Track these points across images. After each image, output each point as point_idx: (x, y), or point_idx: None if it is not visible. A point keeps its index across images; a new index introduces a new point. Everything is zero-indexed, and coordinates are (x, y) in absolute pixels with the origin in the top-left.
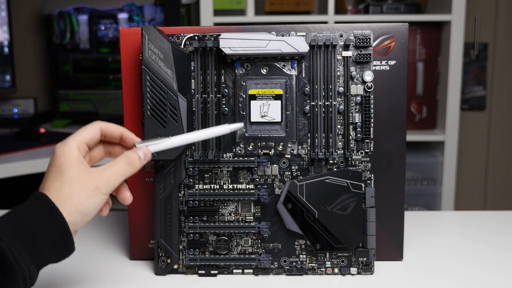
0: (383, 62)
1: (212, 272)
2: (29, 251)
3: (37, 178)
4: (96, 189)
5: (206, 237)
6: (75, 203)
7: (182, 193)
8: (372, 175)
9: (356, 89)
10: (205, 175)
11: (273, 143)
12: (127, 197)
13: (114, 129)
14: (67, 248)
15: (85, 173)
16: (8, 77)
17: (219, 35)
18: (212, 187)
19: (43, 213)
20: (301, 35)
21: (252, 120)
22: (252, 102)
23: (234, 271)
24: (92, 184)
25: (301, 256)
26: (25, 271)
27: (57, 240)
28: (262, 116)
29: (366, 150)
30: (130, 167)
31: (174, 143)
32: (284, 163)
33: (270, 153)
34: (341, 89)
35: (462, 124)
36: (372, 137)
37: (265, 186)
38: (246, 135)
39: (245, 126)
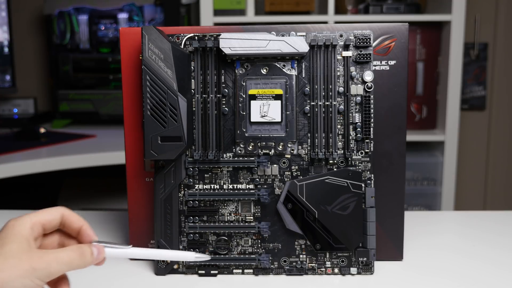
0: (383, 62)
1: (212, 272)
2: None
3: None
4: (32, 270)
5: (206, 237)
6: (2, 279)
7: (182, 193)
8: (372, 175)
9: (356, 89)
10: (205, 175)
11: (273, 143)
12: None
13: (75, 220)
14: None
15: (26, 251)
16: (8, 77)
17: (219, 35)
18: (212, 187)
19: None
20: (301, 35)
21: (252, 120)
22: (252, 102)
23: (234, 271)
24: (28, 264)
25: (301, 256)
26: None
27: None
28: (262, 116)
29: (366, 150)
30: (79, 258)
31: (132, 255)
32: (284, 163)
33: (270, 153)
34: (341, 89)
35: (462, 124)
36: (372, 137)
37: (265, 186)
38: (246, 135)
39: (245, 126)
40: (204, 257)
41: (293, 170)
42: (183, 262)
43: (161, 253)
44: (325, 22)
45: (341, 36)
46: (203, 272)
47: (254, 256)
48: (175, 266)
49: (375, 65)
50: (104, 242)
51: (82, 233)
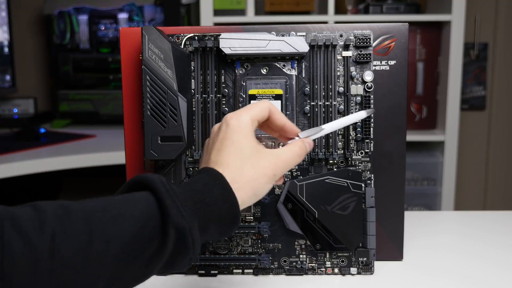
0: (383, 62)
1: (212, 272)
2: (202, 230)
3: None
4: (273, 175)
5: None
6: (255, 187)
7: None
8: (372, 175)
9: (356, 89)
10: None
11: (273, 143)
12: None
13: (279, 117)
14: (231, 229)
15: (263, 154)
16: (8, 77)
17: (219, 35)
18: None
19: (221, 196)
20: (301, 35)
21: None
22: (252, 102)
23: (234, 271)
24: (271, 170)
25: (301, 256)
26: (196, 250)
27: (225, 222)
28: None
29: (366, 150)
30: (300, 156)
31: (327, 131)
32: None
33: None
34: (341, 89)
35: (462, 124)
36: (372, 137)
37: None
38: None
39: None
40: (371, 111)
41: (293, 170)
42: None
43: (342, 122)
44: (325, 22)
45: (341, 36)
46: (203, 272)
47: (254, 256)
48: None
49: (375, 65)
50: (304, 132)
51: (286, 129)
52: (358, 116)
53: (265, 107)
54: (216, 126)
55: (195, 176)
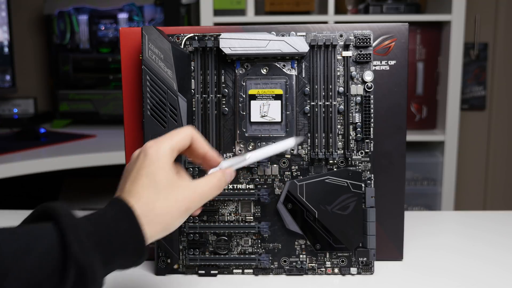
0: (383, 62)
1: (212, 272)
2: (106, 264)
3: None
4: (186, 210)
5: (206, 237)
6: (166, 221)
7: None
8: (372, 175)
9: (356, 89)
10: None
11: (273, 143)
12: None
13: (201, 145)
14: (137, 262)
15: (179, 187)
16: (8, 77)
17: (219, 35)
18: None
19: (127, 231)
20: (301, 35)
21: (252, 120)
22: (252, 102)
23: (234, 271)
24: (185, 204)
25: (301, 256)
26: (98, 284)
27: (131, 257)
28: (262, 116)
29: (366, 150)
30: (218, 188)
31: (251, 160)
32: (284, 163)
33: None
34: (341, 89)
35: (462, 124)
36: (372, 137)
37: (265, 186)
38: (246, 135)
39: (245, 126)
40: (300, 139)
41: (293, 170)
42: (183, 262)
43: (270, 150)
44: (325, 22)
45: (341, 36)
46: (203, 272)
47: (254, 256)
48: (175, 266)
49: (375, 65)
50: (226, 161)
51: (209, 158)
52: (286, 144)
53: (187, 135)
54: (136, 152)
55: (106, 206)
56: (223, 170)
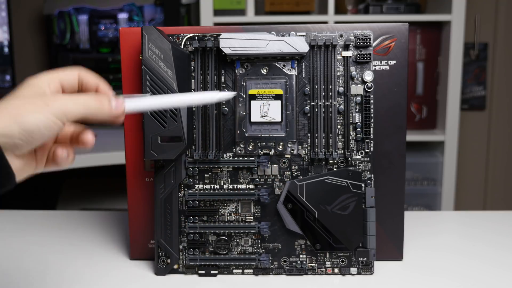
0: (383, 62)
1: (212, 272)
2: None
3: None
4: (44, 105)
5: (206, 237)
6: (14, 113)
7: (182, 193)
8: (372, 175)
9: (356, 89)
10: (205, 175)
11: (273, 143)
12: (88, 138)
13: (91, 79)
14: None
15: (39, 93)
16: (8, 77)
17: (219, 35)
18: (212, 187)
19: None
20: (301, 35)
21: (252, 120)
22: (252, 102)
23: (234, 271)
24: (42, 101)
25: (301, 256)
26: None
27: None
28: (262, 116)
29: (366, 150)
30: (96, 102)
31: (151, 103)
32: (284, 163)
33: (270, 153)
34: (341, 89)
35: (462, 124)
36: (372, 137)
37: (265, 186)
38: (246, 135)
39: (245, 126)
40: (229, 95)
41: (293, 170)
42: (183, 262)
43: (183, 98)
44: (325, 22)
45: (341, 36)
46: (203, 272)
47: (254, 256)
48: (175, 266)
49: (375, 65)
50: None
51: (100, 91)
52: (206, 97)
53: (72, 69)
54: None
55: None
56: (99, 93)
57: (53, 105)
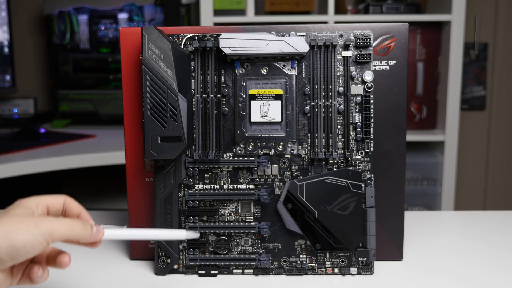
0: (383, 62)
1: (212, 272)
2: None
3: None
4: (34, 225)
5: (206, 237)
6: (6, 230)
7: (182, 193)
8: (372, 175)
9: (356, 89)
10: (205, 175)
11: (273, 143)
12: (65, 260)
13: (75, 207)
14: None
15: (28, 214)
16: (8, 77)
17: (219, 35)
18: (212, 187)
19: None
20: (301, 35)
21: (252, 120)
22: (252, 102)
23: (234, 271)
24: (32, 221)
25: (301, 256)
26: None
27: None
28: (262, 116)
29: (366, 150)
30: (81, 227)
31: (127, 235)
32: (284, 163)
33: (270, 153)
34: (341, 89)
35: (462, 124)
36: (372, 137)
37: (265, 186)
38: (246, 135)
39: (245, 126)
40: (194, 235)
41: (293, 170)
42: (183, 262)
43: (154, 233)
44: (325, 22)
45: (341, 36)
46: (203, 272)
47: (254, 256)
48: (175, 266)
49: (375, 65)
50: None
51: (81, 218)
52: (175, 234)
53: (59, 196)
54: None
55: None
56: (83, 220)
57: (42, 226)
